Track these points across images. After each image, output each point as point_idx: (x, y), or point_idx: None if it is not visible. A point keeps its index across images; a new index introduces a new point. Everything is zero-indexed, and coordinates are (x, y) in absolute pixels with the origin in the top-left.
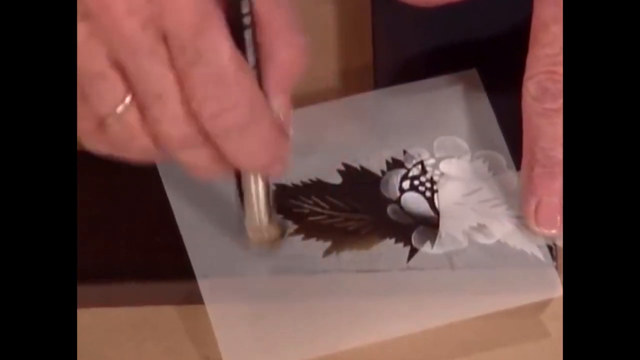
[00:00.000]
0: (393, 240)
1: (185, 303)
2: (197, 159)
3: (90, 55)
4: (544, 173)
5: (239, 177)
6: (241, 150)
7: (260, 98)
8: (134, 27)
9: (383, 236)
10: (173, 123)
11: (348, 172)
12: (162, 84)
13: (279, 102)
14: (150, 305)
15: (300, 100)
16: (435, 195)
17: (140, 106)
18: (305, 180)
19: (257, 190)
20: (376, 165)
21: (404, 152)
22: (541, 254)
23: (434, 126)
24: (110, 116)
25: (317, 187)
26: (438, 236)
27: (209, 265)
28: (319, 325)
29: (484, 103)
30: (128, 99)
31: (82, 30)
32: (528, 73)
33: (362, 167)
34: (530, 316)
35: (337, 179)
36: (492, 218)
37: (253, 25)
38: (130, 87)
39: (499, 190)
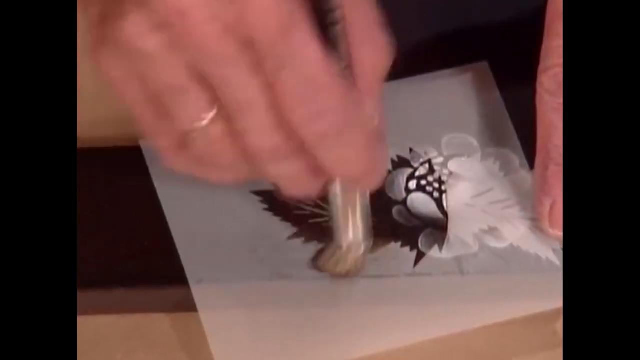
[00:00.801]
0: (399, 244)
1: (177, 310)
2: (289, 171)
3: (168, 69)
4: (559, 172)
5: (333, 195)
6: (338, 158)
7: (353, 102)
8: (214, 34)
9: (388, 240)
10: (263, 133)
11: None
12: (248, 92)
13: (372, 106)
14: (141, 313)
15: None
16: (444, 196)
17: (227, 118)
18: None
19: (355, 204)
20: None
21: (410, 150)
22: (556, 259)
23: (442, 122)
24: (195, 131)
25: None
26: (446, 240)
27: (203, 270)
28: (319, 334)
29: (495, 98)
30: (213, 112)
31: (158, 41)
32: (542, 65)
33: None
34: (545, 325)
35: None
36: (504, 220)
37: (343, 22)
38: (214, 98)
39: (512, 190)
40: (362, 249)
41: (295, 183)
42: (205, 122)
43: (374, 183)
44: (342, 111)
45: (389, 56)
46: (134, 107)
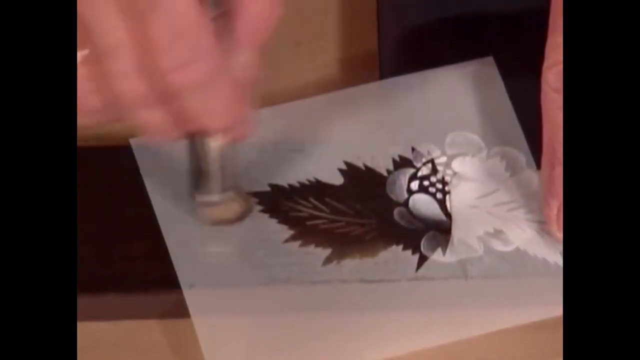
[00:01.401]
0: (400, 247)
1: (169, 316)
2: (153, 119)
3: None
4: None
5: (193, 142)
6: (202, 108)
7: (224, 51)
8: None
9: (389, 242)
10: (129, 78)
11: (350, 171)
12: (117, 34)
13: (245, 57)
14: (131, 320)
15: (297, 91)
16: (447, 197)
17: (94, 61)
18: (303, 180)
19: (215, 155)
20: (382, 163)
21: (413, 149)
22: None
23: (445, 120)
24: None
25: (316, 189)
26: (450, 243)
27: (196, 274)
28: (317, 342)
29: (501, 94)
30: (84, 53)
31: None
32: (547, 62)
33: (366, 166)
34: (553, 332)
35: (338, 180)
36: (510, 223)
37: None
38: (85, 39)
39: (518, 191)
40: (217, 199)
41: (160, 130)
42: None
43: (238, 137)
44: (210, 60)
45: (275, 6)
46: None
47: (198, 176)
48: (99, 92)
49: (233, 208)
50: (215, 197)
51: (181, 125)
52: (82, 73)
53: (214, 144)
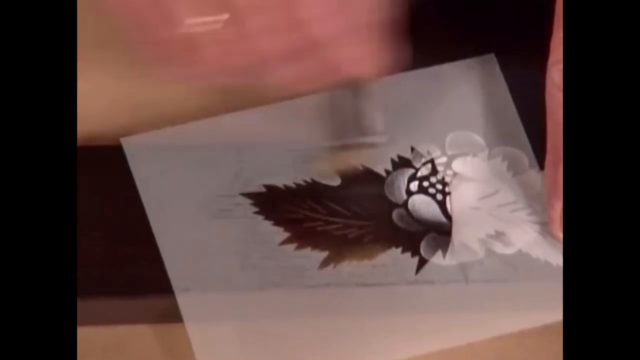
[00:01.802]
0: (399, 249)
1: (162, 321)
2: (298, 73)
3: None
4: None
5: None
6: (345, 59)
7: (359, 2)
8: None
9: (388, 245)
10: (273, 35)
11: (348, 171)
12: None
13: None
14: (122, 325)
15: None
16: (448, 199)
17: (236, 20)
18: (299, 181)
19: (369, 95)
20: (380, 164)
21: (412, 149)
22: None
23: (445, 119)
24: (206, 35)
25: (312, 189)
26: (450, 245)
27: (189, 278)
28: (314, 347)
29: (503, 92)
30: (225, 16)
31: None
32: (552, 58)
33: (363, 167)
34: (556, 336)
35: (335, 180)
36: (512, 224)
37: None
38: (224, 4)
39: (520, 192)
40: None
41: (304, 84)
42: (214, 25)
43: (373, 78)
44: (352, 11)
45: None
46: (130, 12)
47: (358, 119)
48: (243, 52)
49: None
50: (381, 137)
51: (325, 77)
52: (226, 35)
53: (359, 90)
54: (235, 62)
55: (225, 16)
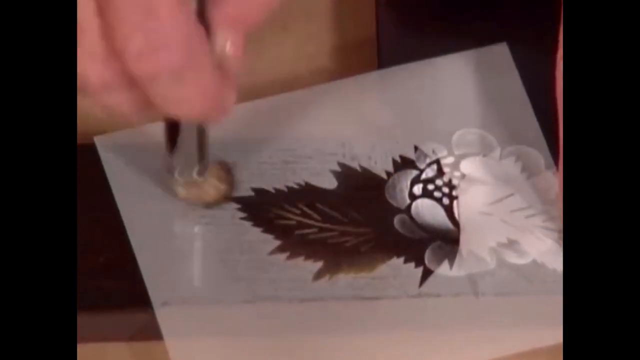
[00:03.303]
0: (401, 259)
1: (139, 338)
2: (119, 103)
3: None
4: None
5: (169, 121)
6: (173, 98)
7: (198, 36)
8: None
9: (389, 255)
10: (91, 62)
11: (344, 173)
12: (81, 14)
13: (226, 39)
14: (95, 342)
15: (287, 82)
16: (455, 203)
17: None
18: (291, 184)
19: (191, 138)
20: (380, 165)
21: (416, 148)
22: None
23: (452, 115)
24: None
25: (305, 193)
26: (458, 254)
27: (169, 291)
28: None
29: (516, 86)
30: None
31: None
32: (561, 51)
33: (362, 168)
34: None
35: (331, 183)
36: (526, 232)
37: None
38: None
39: (535, 196)
40: (193, 175)
41: (124, 114)
42: None
43: (214, 123)
44: (181, 47)
45: None
46: None
47: (175, 152)
48: None
49: (213, 188)
50: (193, 174)
51: (150, 111)
52: None
53: (192, 122)
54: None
55: None
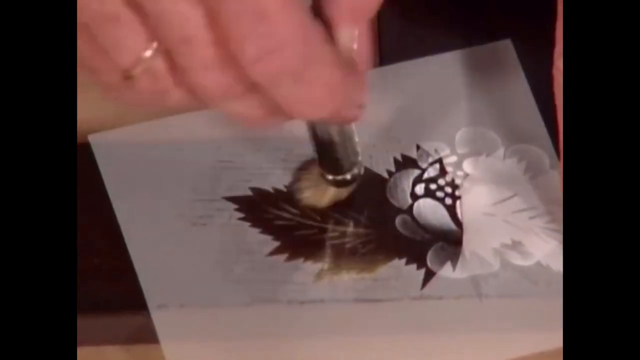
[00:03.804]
0: (403, 260)
1: (135, 342)
2: (245, 109)
3: None
4: None
5: (311, 125)
6: (297, 98)
7: (315, 34)
8: None
9: (390, 256)
10: (207, 71)
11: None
12: (188, 25)
13: (349, 34)
14: (91, 346)
15: None
16: (458, 203)
17: (168, 53)
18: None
19: (331, 140)
20: (381, 164)
21: (418, 147)
22: None
23: (455, 114)
24: (135, 67)
25: None
26: (461, 256)
27: (166, 293)
28: None
29: (520, 84)
30: (153, 46)
31: None
32: (557, 49)
33: (363, 167)
34: None
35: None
36: (530, 233)
37: None
38: (152, 31)
39: (540, 196)
40: (349, 178)
41: (254, 121)
42: (145, 58)
43: (348, 121)
44: (298, 47)
45: None
46: None
47: (325, 156)
48: (182, 84)
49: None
50: (347, 176)
51: (277, 115)
52: (159, 66)
53: (332, 126)
54: (168, 94)
55: (153, 46)
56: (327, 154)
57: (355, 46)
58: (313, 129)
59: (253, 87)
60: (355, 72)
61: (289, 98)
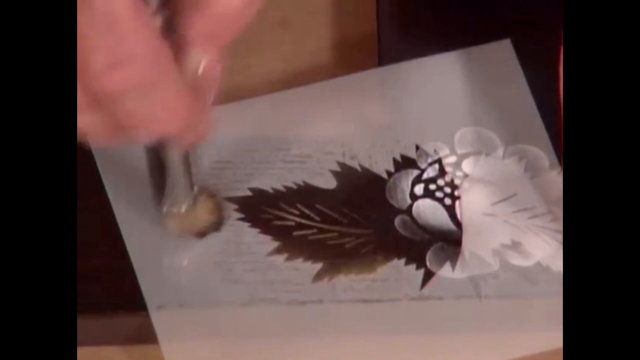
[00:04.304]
0: (402, 261)
1: (134, 342)
2: (89, 125)
3: None
4: None
5: (149, 148)
6: (140, 116)
7: (163, 52)
8: None
9: (389, 256)
10: None
11: (344, 173)
12: None
13: (196, 58)
14: (90, 346)
15: (285, 80)
16: (457, 203)
17: None
18: (289, 184)
19: (175, 162)
20: (381, 164)
21: (417, 147)
22: None
23: (455, 114)
24: None
25: (304, 193)
26: (461, 256)
27: (165, 293)
28: None
29: (519, 84)
30: None
31: None
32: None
33: (362, 167)
34: None
35: (330, 183)
36: (530, 233)
37: None
38: None
39: (539, 196)
40: (184, 209)
41: (100, 138)
42: None
43: (185, 146)
44: (146, 62)
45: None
46: None
47: (160, 185)
48: None
49: (203, 218)
50: (182, 207)
51: (124, 130)
52: None
53: (172, 150)
54: None
55: None
56: (161, 181)
57: (200, 71)
58: (151, 152)
59: (97, 102)
60: (201, 97)
61: (132, 114)
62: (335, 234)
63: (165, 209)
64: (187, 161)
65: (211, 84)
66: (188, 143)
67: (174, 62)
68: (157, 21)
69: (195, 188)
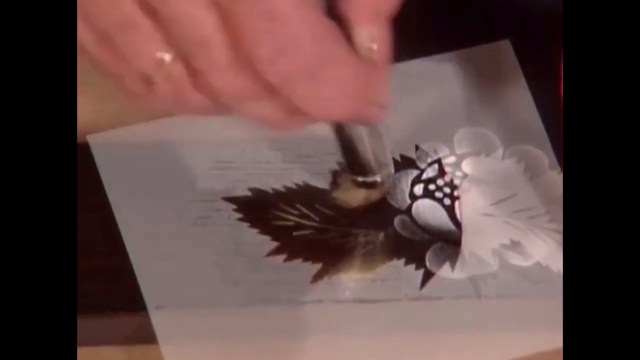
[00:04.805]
0: (402, 261)
1: (134, 342)
2: (264, 111)
3: (115, 3)
4: None
5: (336, 127)
6: (313, 99)
7: (328, 33)
8: None
9: (389, 256)
10: (223, 74)
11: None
12: (203, 29)
13: (368, 34)
14: (89, 346)
15: None
16: (457, 203)
17: (185, 57)
18: (289, 184)
19: (355, 140)
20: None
21: (417, 147)
22: None
23: (454, 114)
24: (155, 72)
25: (304, 194)
26: (460, 256)
27: (164, 294)
28: None
29: (519, 84)
30: (172, 50)
31: None
32: None
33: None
34: None
35: (330, 183)
36: (529, 233)
37: None
38: (169, 35)
39: (539, 196)
40: (379, 179)
41: (274, 123)
42: (165, 62)
43: (371, 119)
44: (311, 46)
45: None
46: (86, 49)
47: (352, 158)
48: (200, 88)
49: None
50: (376, 177)
51: (297, 117)
52: (177, 71)
53: (353, 127)
54: (187, 97)
55: (168, 56)
56: (353, 155)
57: (375, 46)
58: (337, 130)
59: (270, 89)
60: (374, 72)
61: (305, 98)
62: (335, 234)
63: (362, 178)
64: (372, 133)
65: (384, 56)
66: (368, 119)
67: (340, 41)
68: (320, 2)
69: (390, 156)
